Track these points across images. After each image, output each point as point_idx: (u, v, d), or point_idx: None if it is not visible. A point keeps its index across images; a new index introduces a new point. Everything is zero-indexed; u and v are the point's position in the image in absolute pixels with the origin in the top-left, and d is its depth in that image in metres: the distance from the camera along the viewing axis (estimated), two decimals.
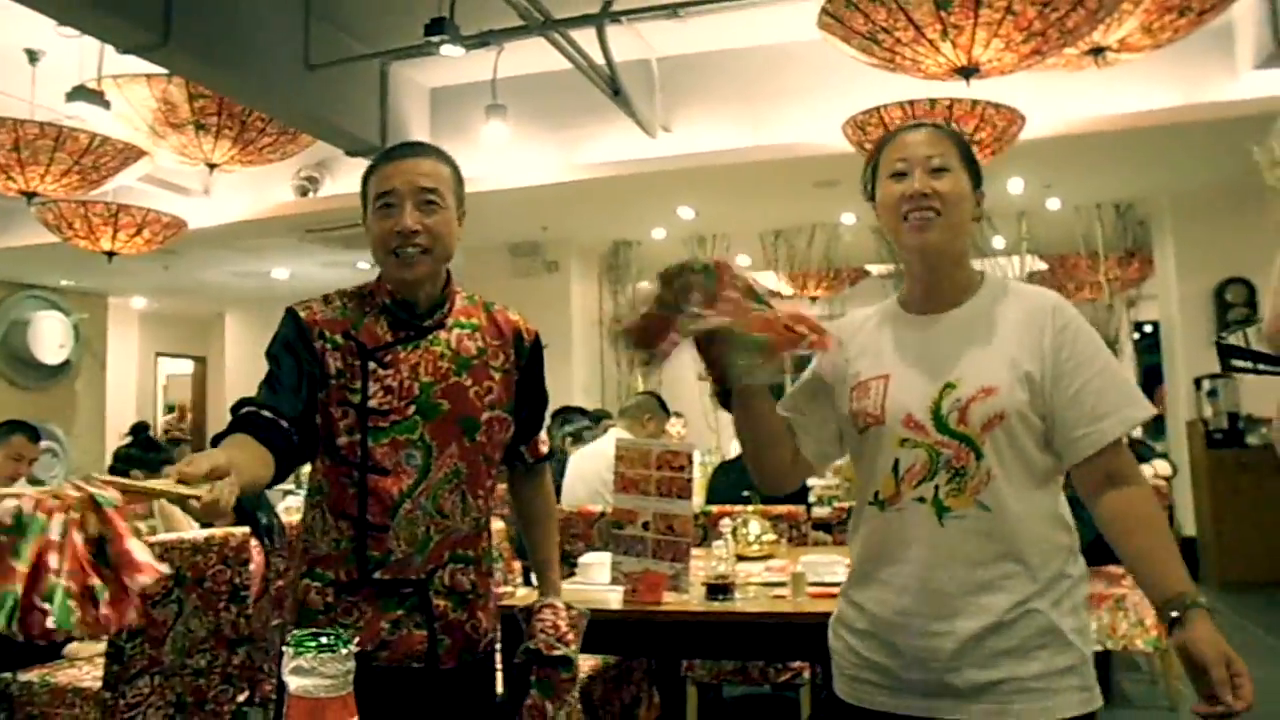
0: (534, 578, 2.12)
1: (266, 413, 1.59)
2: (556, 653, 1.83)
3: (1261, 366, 5.61)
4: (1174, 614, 1.36)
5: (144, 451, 4.12)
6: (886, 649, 1.51)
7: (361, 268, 9.28)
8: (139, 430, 4.32)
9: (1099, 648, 3.61)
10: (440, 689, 1.74)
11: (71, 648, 3.42)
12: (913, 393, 1.51)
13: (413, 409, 1.71)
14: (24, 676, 3.13)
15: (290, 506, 5.12)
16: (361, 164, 6.43)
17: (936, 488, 1.47)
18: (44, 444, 9.49)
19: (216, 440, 1.55)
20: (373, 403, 1.70)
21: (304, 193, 7.33)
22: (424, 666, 1.72)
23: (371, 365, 1.72)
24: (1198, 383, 7.47)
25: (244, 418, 1.59)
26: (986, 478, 1.45)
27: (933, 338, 1.55)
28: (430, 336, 1.77)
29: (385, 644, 1.70)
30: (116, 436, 11.30)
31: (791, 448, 1.65)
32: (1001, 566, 1.45)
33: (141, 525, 4.30)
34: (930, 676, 1.46)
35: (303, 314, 1.73)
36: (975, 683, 1.43)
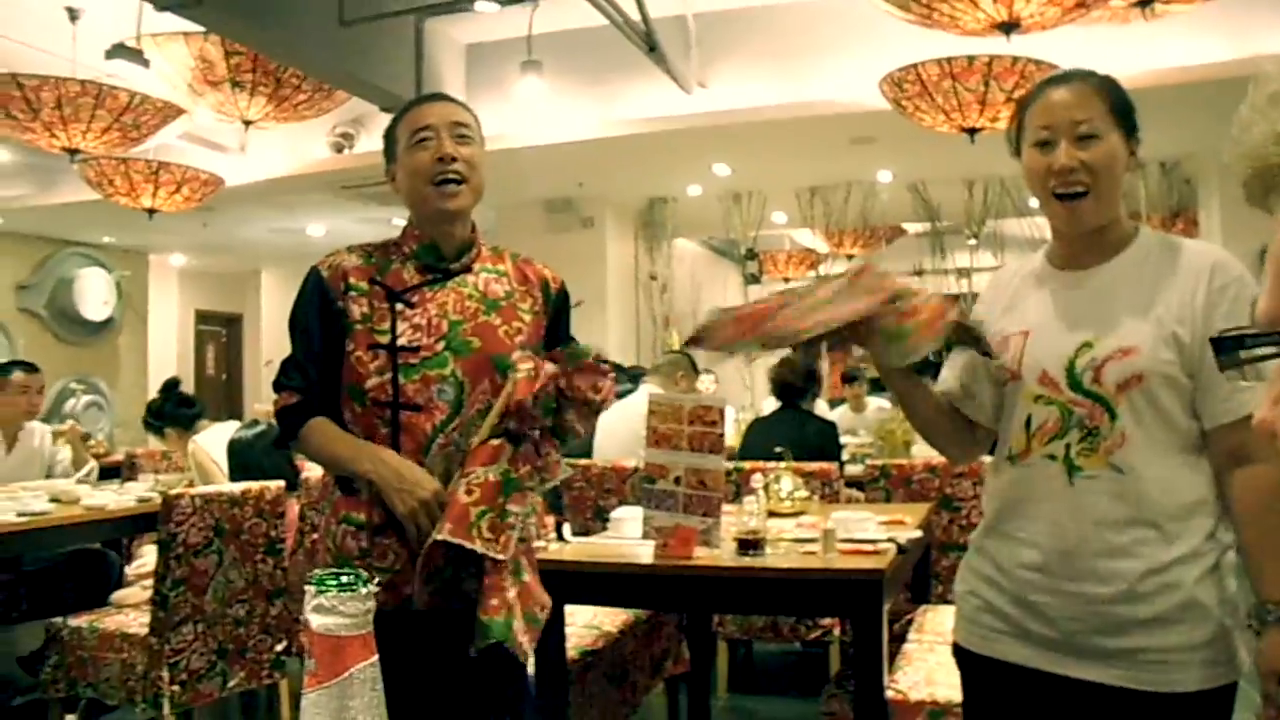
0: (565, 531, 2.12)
1: (306, 381, 1.79)
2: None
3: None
4: (1266, 618, 1.37)
5: (177, 407, 4.17)
6: (1014, 600, 1.50)
7: (396, 224, 9.25)
8: (171, 386, 4.36)
9: None
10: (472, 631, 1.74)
11: (119, 595, 3.52)
12: (1049, 349, 1.48)
13: (442, 345, 1.75)
14: (74, 622, 3.23)
15: None
16: None
17: (1068, 446, 1.45)
18: (89, 398, 9.79)
19: (287, 417, 1.77)
20: (402, 340, 1.74)
21: (339, 149, 7.34)
22: (462, 609, 1.71)
23: (399, 306, 1.76)
24: None
25: (309, 404, 1.79)
26: (1121, 439, 1.42)
27: (1075, 295, 1.51)
28: (457, 279, 1.81)
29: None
30: (158, 391, 11.50)
31: (961, 419, 1.64)
32: (1133, 531, 1.41)
33: (178, 476, 4.39)
34: (1057, 634, 1.45)
35: (325, 272, 1.81)
36: (1106, 649, 1.41)
